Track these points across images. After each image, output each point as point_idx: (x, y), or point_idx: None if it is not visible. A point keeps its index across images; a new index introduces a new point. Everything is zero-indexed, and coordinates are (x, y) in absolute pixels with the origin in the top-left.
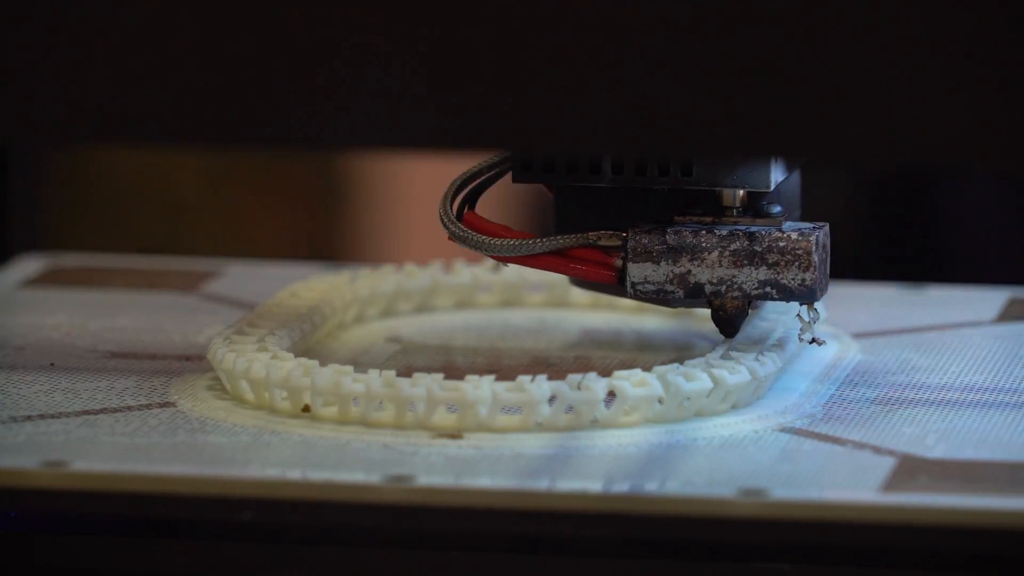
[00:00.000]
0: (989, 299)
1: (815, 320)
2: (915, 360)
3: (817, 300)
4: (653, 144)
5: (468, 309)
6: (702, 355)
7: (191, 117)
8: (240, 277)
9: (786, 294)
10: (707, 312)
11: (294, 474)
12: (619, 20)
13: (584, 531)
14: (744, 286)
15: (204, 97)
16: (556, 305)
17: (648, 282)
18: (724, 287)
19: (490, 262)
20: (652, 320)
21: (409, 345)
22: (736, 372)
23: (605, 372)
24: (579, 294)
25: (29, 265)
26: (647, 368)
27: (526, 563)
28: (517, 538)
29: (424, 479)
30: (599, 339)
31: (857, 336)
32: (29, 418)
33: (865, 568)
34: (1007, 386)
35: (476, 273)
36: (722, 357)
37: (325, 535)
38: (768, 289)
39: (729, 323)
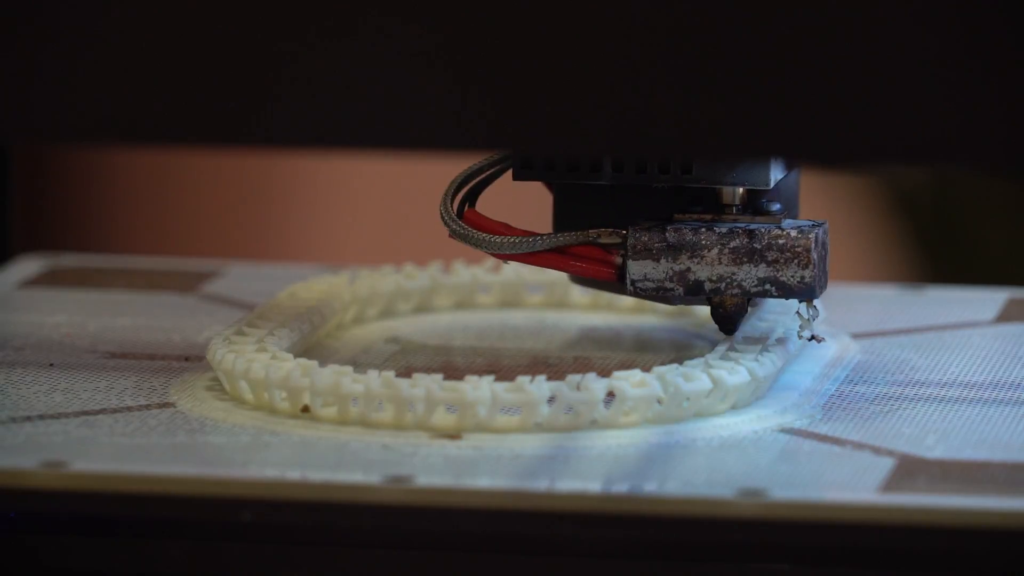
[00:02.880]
0: (989, 299)
1: (814, 317)
2: (914, 360)
3: (816, 297)
4: (653, 145)
5: (467, 309)
6: (701, 355)
7: (190, 117)
8: (240, 277)
9: (785, 291)
10: (707, 312)
11: (293, 475)
12: (621, 19)
13: (583, 532)
14: (744, 283)
15: (204, 97)
16: (556, 305)
17: (648, 279)
18: (724, 284)
19: (490, 261)
20: (652, 320)
21: (408, 345)
22: (735, 372)
23: (605, 372)
24: (579, 294)
25: (29, 265)
26: (647, 368)
27: (525, 564)
28: (516, 539)
29: (423, 480)
30: (599, 339)
31: (856, 336)
32: (29, 418)
33: (865, 568)
34: (1007, 387)
35: (475, 273)
36: (721, 358)
37: (324, 536)
38: (767, 286)
39: (729, 320)
